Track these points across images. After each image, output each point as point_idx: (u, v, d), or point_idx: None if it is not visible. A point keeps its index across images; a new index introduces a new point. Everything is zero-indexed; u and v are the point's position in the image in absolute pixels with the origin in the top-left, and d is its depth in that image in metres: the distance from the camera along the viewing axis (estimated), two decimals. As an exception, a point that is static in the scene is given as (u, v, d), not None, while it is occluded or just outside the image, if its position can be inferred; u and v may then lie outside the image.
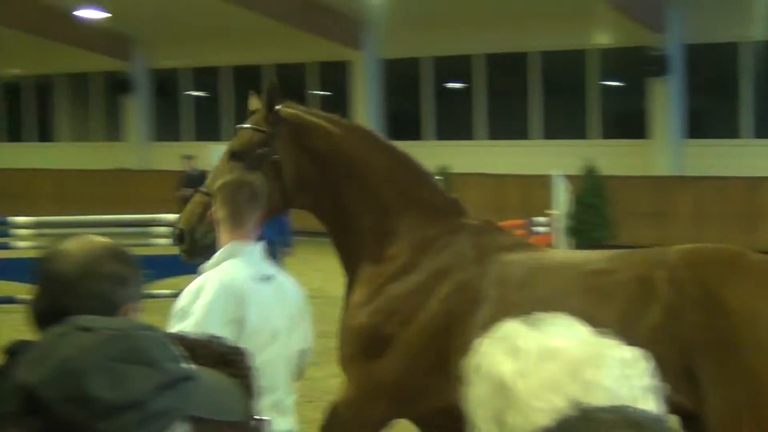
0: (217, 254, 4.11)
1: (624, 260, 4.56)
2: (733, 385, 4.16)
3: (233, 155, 4.94)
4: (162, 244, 12.94)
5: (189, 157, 20.00)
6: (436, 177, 13.41)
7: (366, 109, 23.65)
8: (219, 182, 4.24)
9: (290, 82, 25.21)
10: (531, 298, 4.31)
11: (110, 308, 2.21)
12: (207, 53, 25.58)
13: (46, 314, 2.16)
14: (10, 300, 12.03)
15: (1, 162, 27.95)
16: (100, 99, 28.42)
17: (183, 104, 27.23)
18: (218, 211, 4.12)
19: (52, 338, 1.46)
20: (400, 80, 24.00)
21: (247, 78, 25.54)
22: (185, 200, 20.17)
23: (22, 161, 27.38)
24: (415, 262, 4.77)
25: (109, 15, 22.52)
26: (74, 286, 2.24)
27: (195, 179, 19.51)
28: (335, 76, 24.45)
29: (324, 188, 4.96)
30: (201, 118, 26.94)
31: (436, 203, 4.97)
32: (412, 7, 21.31)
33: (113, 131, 27.98)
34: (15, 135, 29.15)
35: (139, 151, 27.22)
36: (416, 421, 4.90)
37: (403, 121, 24.13)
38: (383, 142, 5.20)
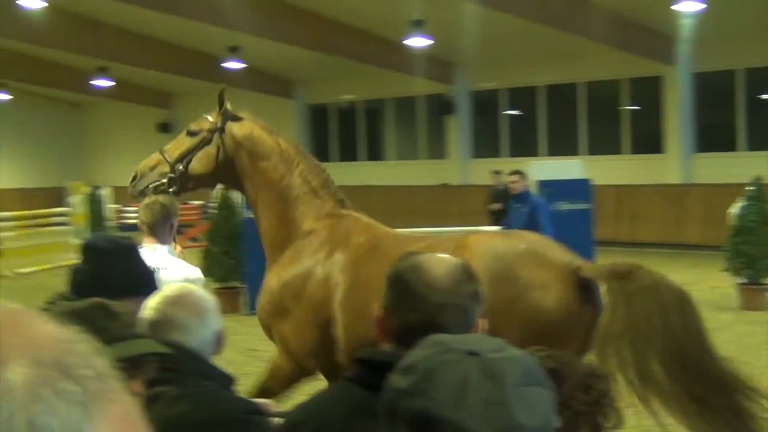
0: None
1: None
2: None
3: (189, 132, 6.23)
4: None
5: (498, 173, 20.62)
6: (749, 187, 13.95)
7: (678, 123, 23.82)
8: (143, 203, 5.48)
9: (603, 98, 25.63)
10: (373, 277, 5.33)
11: (470, 325, 2.25)
12: (523, 74, 26.38)
13: (413, 329, 2.14)
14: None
15: (338, 180, 29.80)
16: (425, 120, 29.50)
17: (501, 122, 27.92)
18: (141, 222, 5.35)
19: (440, 363, 1.40)
20: (712, 93, 23.76)
21: (561, 95, 26.39)
22: (494, 214, 21.54)
23: (355, 179, 27.44)
24: (305, 248, 5.99)
25: (434, 42, 23.33)
26: (446, 303, 2.23)
27: (501, 193, 20.52)
28: (647, 91, 24.61)
29: (244, 176, 6.18)
30: (517, 135, 27.57)
31: (325, 200, 6.26)
32: (723, 20, 21.22)
33: (437, 149, 29.15)
34: (349, 155, 30.78)
35: (460, 167, 28.00)
36: (322, 373, 5.99)
37: (716, 133, 23.97)
38: (300, 155, 6.35)
